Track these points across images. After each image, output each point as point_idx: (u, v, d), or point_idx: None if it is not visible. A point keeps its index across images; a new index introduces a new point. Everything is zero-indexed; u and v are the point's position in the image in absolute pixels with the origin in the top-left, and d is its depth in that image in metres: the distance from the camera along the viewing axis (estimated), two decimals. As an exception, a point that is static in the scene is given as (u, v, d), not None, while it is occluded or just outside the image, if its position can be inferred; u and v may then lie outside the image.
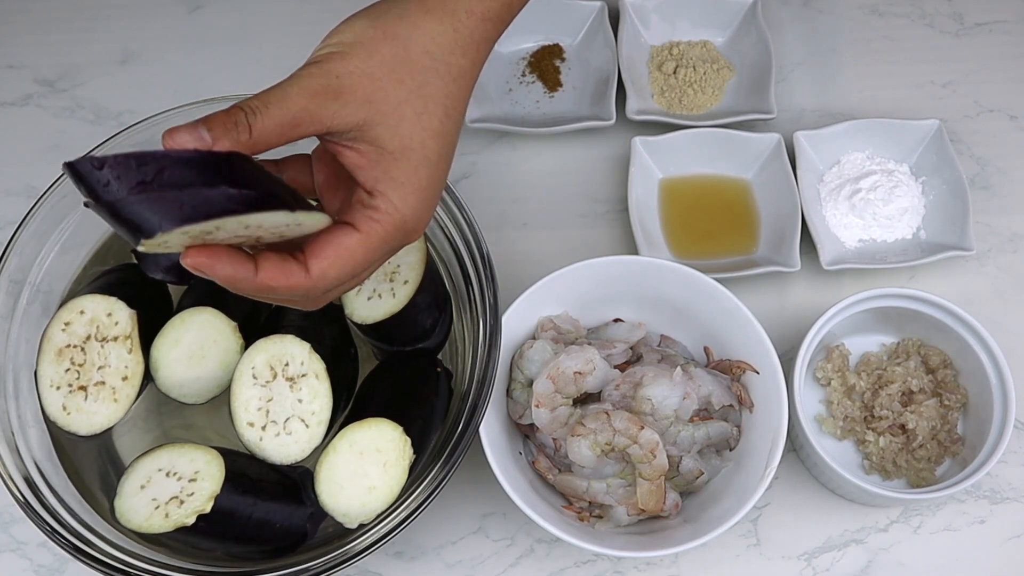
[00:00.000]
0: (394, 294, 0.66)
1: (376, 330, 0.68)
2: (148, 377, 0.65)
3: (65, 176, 0.68)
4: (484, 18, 0.55)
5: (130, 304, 0.65)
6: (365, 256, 0.52)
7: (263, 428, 0.63)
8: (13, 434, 0.64)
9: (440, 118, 0.53)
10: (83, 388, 0.63)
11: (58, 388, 0.63)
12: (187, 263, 0.48)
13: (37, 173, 0.88)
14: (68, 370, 0.63)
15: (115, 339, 0.64)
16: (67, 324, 0.64)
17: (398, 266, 0.67)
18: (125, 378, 0.64)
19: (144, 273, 0.69)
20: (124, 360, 0.64)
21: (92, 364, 0.64)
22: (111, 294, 0.65)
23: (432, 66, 0.53)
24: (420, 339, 0.70)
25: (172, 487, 0.59)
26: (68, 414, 0.63)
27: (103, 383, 0.64)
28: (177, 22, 0.99)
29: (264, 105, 0.49)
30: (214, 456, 0.61)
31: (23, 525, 0.73)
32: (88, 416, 0.63)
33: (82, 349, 0.64)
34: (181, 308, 0.67)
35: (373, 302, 0.67)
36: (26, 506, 0.61)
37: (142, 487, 0.59)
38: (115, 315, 0.64)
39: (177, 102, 0.72)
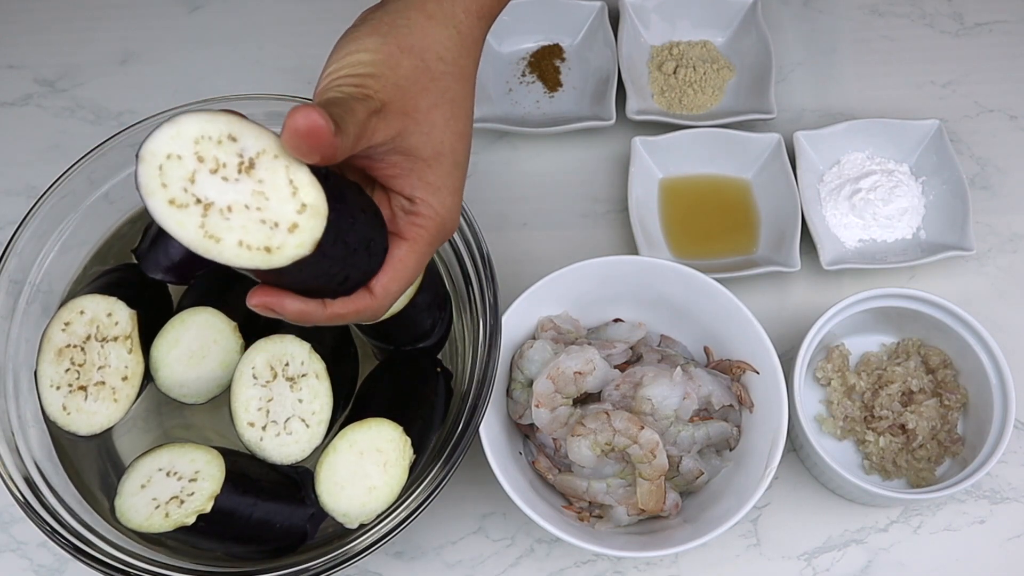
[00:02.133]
0: None
1: (376, 330, 0.68)
2: (148, 377, 0.65)
3: (65, 176, 0.69)
4: (479, 16, 0.56)
5: (130, 304, 0.65)
6: (417, 261, 0.53)
7: (263, 428, 0.63)
8: (13, 434, 0.64)
9: (464, 120, 0.54)
10: (83, 388, 0.63)
11: (58, 388, 0.63)
12: (253, 304, 0.49)
13: (37, 173, 0.88)
14: (68, 370, 0.63)
15: (115, 339, 0.64)
16: (67, 324, 0.64)
17: None
18: (125, 378, 0.64)
19: (144, 273, 0.69)
20: (124, 360, 0.64)
21: (92, 364, 0.64)
22: (111, 294, 0.65)
23: (448, 71, 0.54)
24: (420, 339, 0.70)
25: (172, 487, 0.59)
26: (68, 414, 0.63)
27: (103, 383, 0.63)
28: (177, 22, 0.99)
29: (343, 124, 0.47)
30: (214, 456, 0.61)
31: (23, 525, 0.73)
32: (88, 416, 0.63)
33: (82, 349, 0.64)
34: (181, 308, 0.67)
35: None
36: (26, 506, 0.61)
37: (142, 487, 0.59)
38: (115, 315, 0.64)
39: (177, 102, 0.72)
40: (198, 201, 0.44)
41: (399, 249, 0.52)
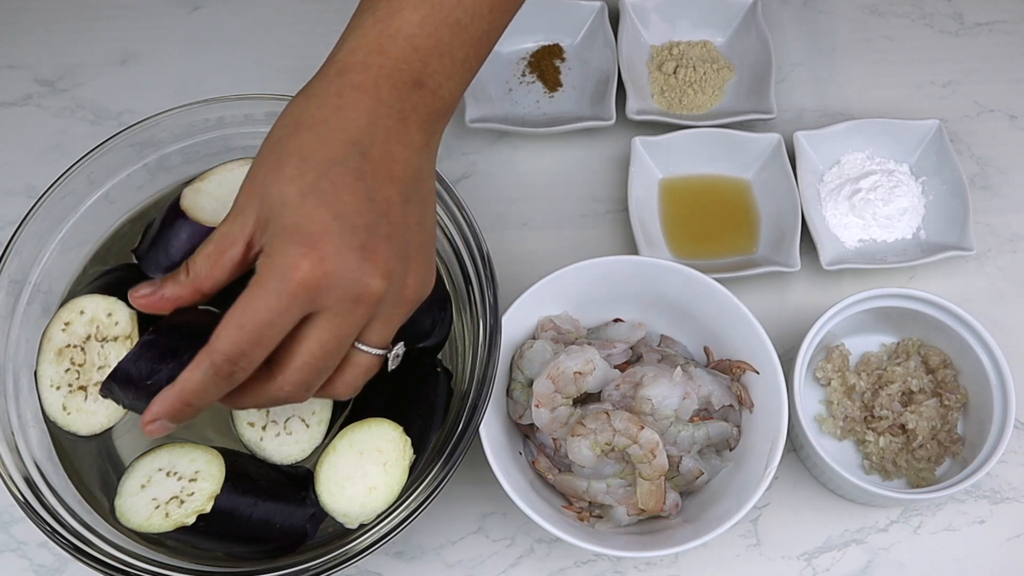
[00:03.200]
0: None
1: None
2: None
3: (65, 176, 0.69)
4: (405, 84, 0.54)
5: (130, 304, 0.65)
6: (266, 306, 0.49)
7: (263, 428, 0.63)
8: (13, 434, 0.64)
9: (349, 190, 0.51)
10: (83, 388, 0.63)
11: (58, 388, 0.63)
12: (147, 427, 0.53)
13: (37, 173, 0.88)
14: (68, 370, 0.63)
15: (115, 339, 0.64)
16: (67, 324, 0.64)
17: None
18: None
19: (144, 273, 0.69)
20: None
21: (92, 364, 0.64)
22: (111, 294, 0.65)
23: (344, 143, 0.52)
24: (420, 339, 0.70)
25: (172, 487, 0.59)
26: (68, 414, 0.63)
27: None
28: (177, 22, 0.99)
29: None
30: (214, 456, 0.61)
31: (23, 525, 0.73)
32: (88, 416, 0.63)
33: (82, 349, 0.64)
34: None
35: None
36: (26, 506, 0.61)
37: (142, 487, 0.59)
38: (115, 315, 0.64)
39: (177, 102, 0.72)
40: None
41: (243, 293, 0.50)
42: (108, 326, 0.64)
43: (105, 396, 0.58)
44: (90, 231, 0.72)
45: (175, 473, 0.60)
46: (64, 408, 0.63)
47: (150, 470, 0.60)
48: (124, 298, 0.65)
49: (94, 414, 0.63)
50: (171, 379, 0.52)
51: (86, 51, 0.97)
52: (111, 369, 0.57)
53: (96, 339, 0.64)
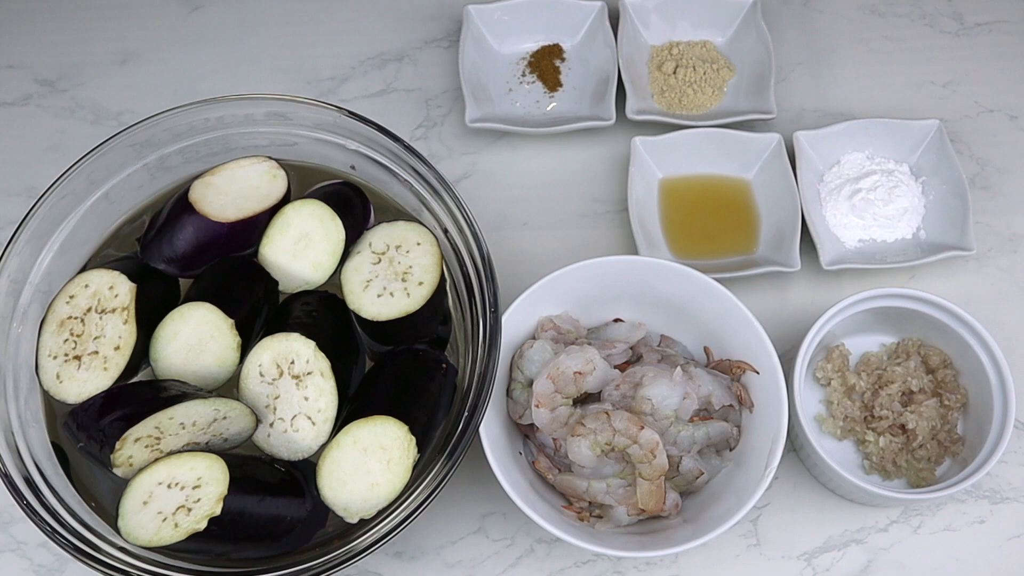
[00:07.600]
0: (408, 294, 0.66)
1: (382, 328, 0.67)
2: (148, 362, 0.65)
3: (65, 176, 0.69)
4: None
5: (132, 279, 0.65)
6: None
7: (271, 425, 0.63)
8: (13, 434, 0.64)
9: None
10: (78, 358, 0.64)
11: (55, 358, 0.64)
12: None
13: (37, 173, 0.88)
14: (67, 340, 0.64)
15: (113, 311, 0.64)
16: (72, 297, 0.65)
17: (410, 267, 0.67)
18: (117, 348, 0.64)
19: (148, 263, 0.69)
20: (119, 331, 0.64)
21: (89, 335, 0.64)
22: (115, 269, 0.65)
23: None
24: (422, 340, 0.70)
25: (176, 497, 0.59)
26: (60, 383, 0.64)
27: (96, 353, 0.64)
28: (177, 22, 0.99)
29: None
30: (214, 460, 0.60)
31: (23, 525, 0.73)
32: (79, 384, 0.63)
33: (82, 321, 0.64)
34: (187, 300, 0.67)
35: (384, 300, 0.67)
36: (26, 506, 0.61)
37: (144, 503, 0.59)
38: (116, 288, 0.65)
39: (177, 102, 0.72)
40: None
41: None
42: (108, 299, 0.65)
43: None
44: (90, 231, 0.72)
45: (176, 484, 0.59)
46: (58, 377, 0.64)
47: (149, 486, 0.59)
48: (126, 272, 0.65)
49: (84, 383, 0.64)
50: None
51: (86, 51, 0.97)
52: (105, 339, 0.61)
53: (96, 311, 0.65)
